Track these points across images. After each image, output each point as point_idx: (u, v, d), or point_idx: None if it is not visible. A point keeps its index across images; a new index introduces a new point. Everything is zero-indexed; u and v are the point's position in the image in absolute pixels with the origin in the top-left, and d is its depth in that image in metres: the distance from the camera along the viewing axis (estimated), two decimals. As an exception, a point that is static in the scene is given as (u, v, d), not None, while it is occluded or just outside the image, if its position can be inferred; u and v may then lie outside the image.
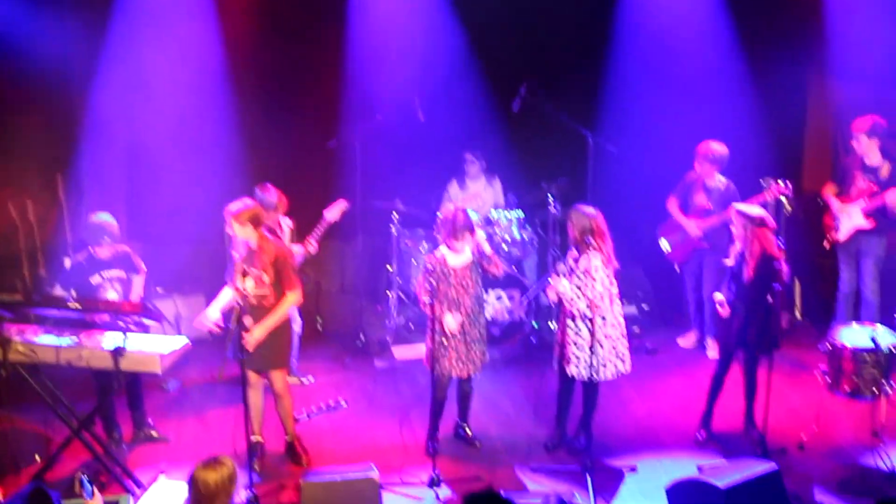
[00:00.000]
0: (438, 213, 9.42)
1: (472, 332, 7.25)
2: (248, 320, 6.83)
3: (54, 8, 9.08)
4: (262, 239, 7.05)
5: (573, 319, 7.07)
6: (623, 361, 7.21)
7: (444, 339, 7.21)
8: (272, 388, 7.25)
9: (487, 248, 7.28)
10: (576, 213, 7.11)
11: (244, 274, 6.78)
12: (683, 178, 9.01)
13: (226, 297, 7.28)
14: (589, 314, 6.92)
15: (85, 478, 5.42)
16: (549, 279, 7.16)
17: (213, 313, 7.22)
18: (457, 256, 7.20)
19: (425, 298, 7.08)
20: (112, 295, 7.42)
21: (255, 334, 6.90)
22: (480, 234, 7.29)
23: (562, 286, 7.00)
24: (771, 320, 7.18)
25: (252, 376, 7.14)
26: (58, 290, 7.39)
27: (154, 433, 7.67)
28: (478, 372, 7.38)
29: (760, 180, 8.44)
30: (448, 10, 10.14)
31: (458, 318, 7.16)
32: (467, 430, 7.62)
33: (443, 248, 7.26)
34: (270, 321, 7.01)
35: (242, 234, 6.99)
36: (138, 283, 7.62)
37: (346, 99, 10.13)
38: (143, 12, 9.43)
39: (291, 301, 7.15)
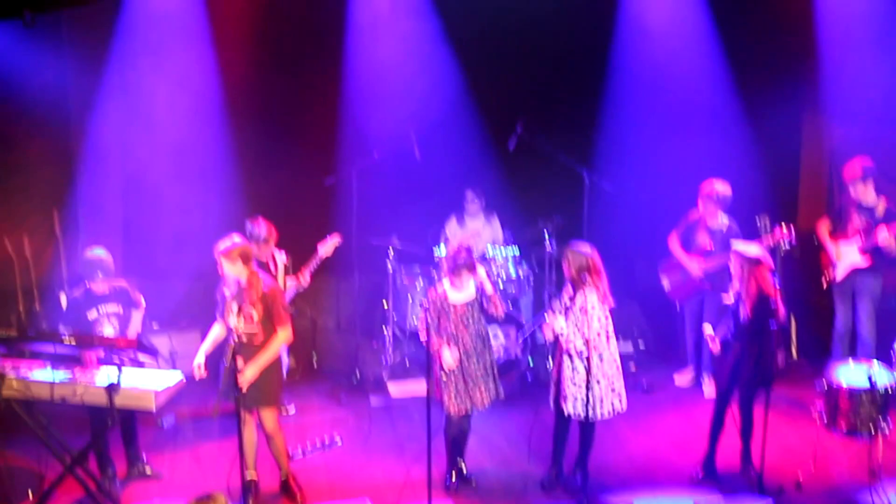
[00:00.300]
0: (435, 250, 9.47)
1: (472, 368, 7.22)
2: (239, 360, 6.81)
3: (52, 43, 9.12)
4: (252, 275, 7.03)
5: (570, 357, 7.06)
6: (619, 399, 7.18)
7: (443, 375, 7.21)
8: (263, 427, 7.20)
9: (489, 288, 7.25)
10: (571, 251, 7.12)
11: (239, 311, 6.79)
12: (686, 216, 9.02)
13: (213, 337, 7.23)
14: (585, 352, 6.91)
15: None
16: (546, 316, 7.15)
17: (200, 359, 7.14)
18: (458, 293, 7.21)
19: (423, 335, 7.07)
20: (109, 330, 7.40)
21: (248, 374, 6.86)
22: (482, 273, 7.28)
23: (558, 324, 6.99)
24: (765, 359, 7.18)
25: (245, 413, 7.11)
26: (63, 330, 7.39)
27: (148, 470, 7.62)
28: (478, 409, 7.31)
29: (756, 217, 8.48)
30: (444, 49, 10.23)
31: (454, 354, 7.14)
32: (463, 467, 7.58)
33: (445, 284, 7.27)
34: (262, 359, 6.96)
35: (233, 272, 6.96)
36: (137, 318, 7.60)
37: (343, 136, 10.20)
38: (140, 50, 9.50)
39: (282, 339, 7.10)
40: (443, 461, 7.52)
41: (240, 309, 6.84)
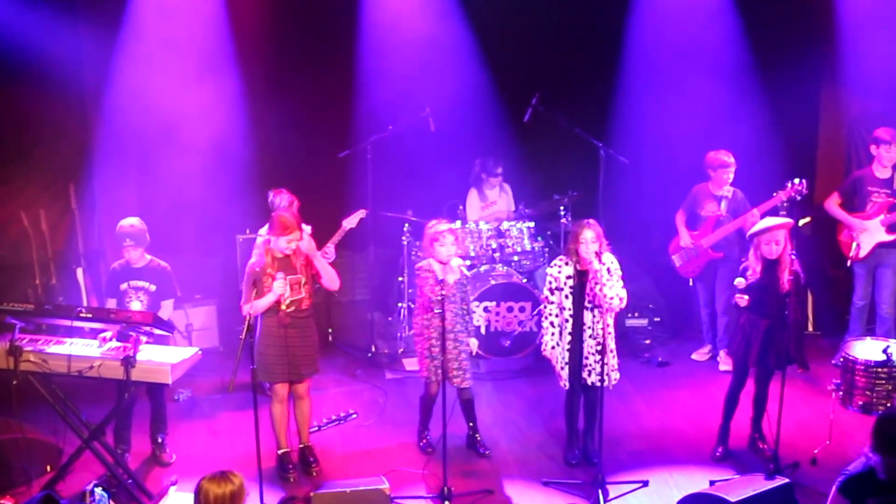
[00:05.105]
0: (452, 224, 9.45)
1: (450, 346, 7.29)
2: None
3: (66, 17, 9.09)
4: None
5: (583, 329, 7.07)
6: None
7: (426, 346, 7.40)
8: (299, 391, 7.28)
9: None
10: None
11: (285, 280, 6.94)
12: (690, 192, 9.01)
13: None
14: (616, 302, 6.95)
15: (99, 489, 5.41)
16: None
17: None
18: (443, 269, 7.30)
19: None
20: (136, 305, 7.42)
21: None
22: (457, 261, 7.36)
23: (598, 265, 6.96)
24: (796, 333, 7.15)
25: (281, 390, 7.19)
26: (111, 303, 7.47)
27: (158, 453, 7.60)
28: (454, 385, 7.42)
29: (773, 193, 8.44)
30: (460, 21, 10.16)
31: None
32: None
33: (432, 261, 7.39)
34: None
35: (290, 240, 6.99)
36: (167, 306, 7.59)
37: (358, 109, 10.14)
38: (155, 23, 9.45)
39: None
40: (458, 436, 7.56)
41: (285, 278, 6.95)
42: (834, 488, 5.42)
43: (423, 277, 7.36)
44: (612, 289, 6.98)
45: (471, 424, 7.66)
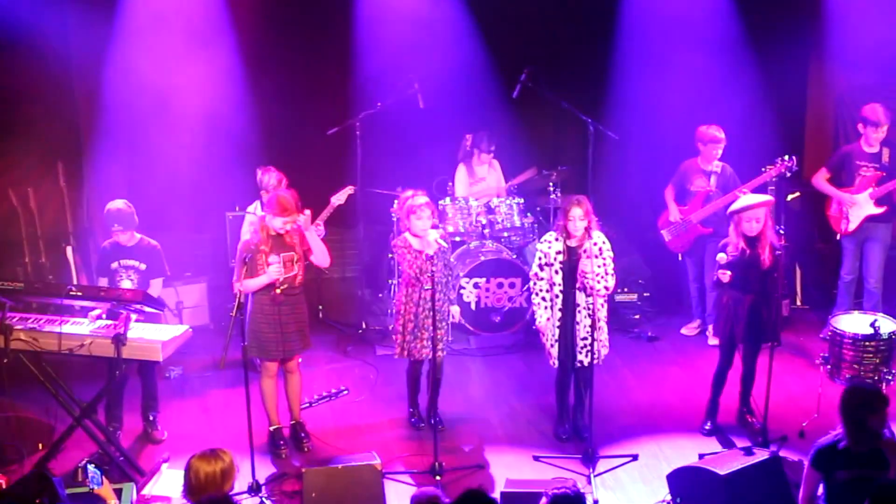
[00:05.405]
0: (441, 202, 9.45)
1: (422, 317, 7.30)
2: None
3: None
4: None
5: (578, 309, 7.08)
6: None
7: (400, 319, 7.43)
8: (289, 367, 7.30)
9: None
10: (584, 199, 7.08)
11: (278, 259, 6.92)
12: (679, 167, 9.02)
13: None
14: (603, 292, 6.98)
15: (92, 466, 5.41)
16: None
17: None
18: (420, 241, 7.29)
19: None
20: (126, 284, 7.41)
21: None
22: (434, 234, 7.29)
23: (589, 265, 6.96)
24: (776, 309, 7.18)
25: (272, 366, 7.20)
26: (102, 282, 7.45)
27: (149, 430, 7.62)
28: (416, 358, 7.43)
29: (762, 169, 8.46)
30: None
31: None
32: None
33: (406, 234, 7.39)
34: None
35: (283, 220, 6.96)
36: (156, 285, 7.56)
37: (348, 86, 10.11)
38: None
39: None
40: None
41: (280, 261, 6.94)
42: (807, 463, 5.50)
43: (401, 253, 7.34)
44: (601, 281, 7.00)
45: (431, 397, 7.62)
